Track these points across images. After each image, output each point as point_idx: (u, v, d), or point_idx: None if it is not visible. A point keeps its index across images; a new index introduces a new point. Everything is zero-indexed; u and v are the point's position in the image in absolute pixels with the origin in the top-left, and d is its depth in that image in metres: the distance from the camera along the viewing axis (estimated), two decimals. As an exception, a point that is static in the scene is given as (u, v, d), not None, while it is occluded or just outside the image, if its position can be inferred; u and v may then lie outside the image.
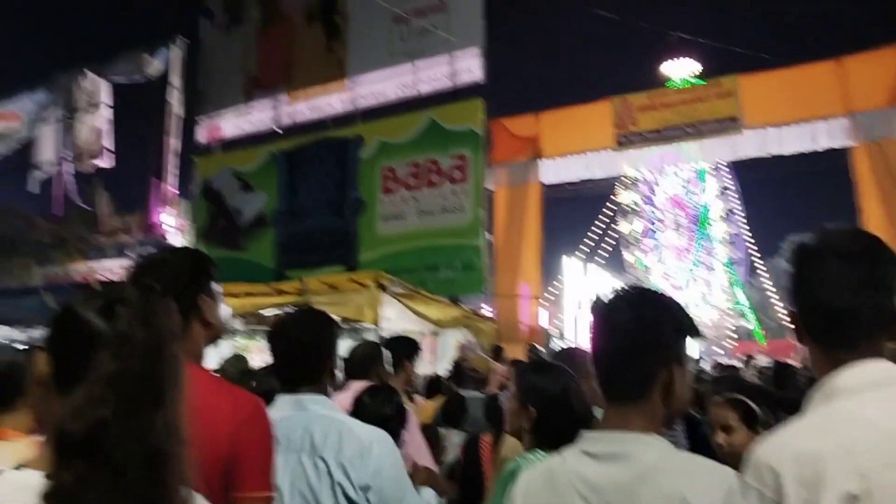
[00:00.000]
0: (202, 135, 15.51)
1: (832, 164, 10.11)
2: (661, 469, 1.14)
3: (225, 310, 1.66)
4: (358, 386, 2.86)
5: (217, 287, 1.61)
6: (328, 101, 13.64)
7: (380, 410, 2.38)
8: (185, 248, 1.86)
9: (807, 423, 1.06)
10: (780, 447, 1.03)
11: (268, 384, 3.08)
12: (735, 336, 33.94)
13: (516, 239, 11.57)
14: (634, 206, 38.25)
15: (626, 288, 1.35)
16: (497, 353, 8.83)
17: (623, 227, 37.47)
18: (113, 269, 16.25)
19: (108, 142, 17.00)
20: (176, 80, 16.99)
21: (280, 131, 14.33)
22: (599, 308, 1.33)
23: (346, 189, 12.88)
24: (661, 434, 1.22)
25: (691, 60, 34.38)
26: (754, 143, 9.72)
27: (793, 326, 1.17)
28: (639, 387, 1.23)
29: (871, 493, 0.92)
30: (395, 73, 12.74)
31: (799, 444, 1.01)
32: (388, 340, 4.10)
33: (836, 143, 9.22)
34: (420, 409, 4.32)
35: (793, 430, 1.05)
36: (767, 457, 1.02)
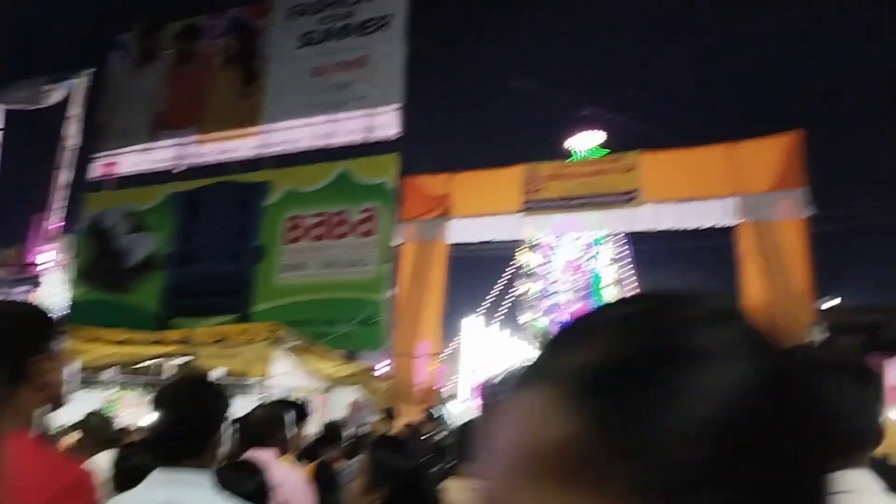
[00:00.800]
0: (97, 170, 14.61)
1: (719, 241, 10.68)
2: None
3: (71, 370, 1.52)
4: (256, 454, 2.62)
5: (59, 345, 1.47)
6: (238, 145, 13.23)
7: (238, 489, 2.09)
8: (20, 304, 1.67)
9: None
10: None
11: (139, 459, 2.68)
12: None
13: (419, 296, 11.44)
14: (533, 269, 39.33)
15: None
16: (390, 414, 8.52)
17: (521, 288, 38.27)
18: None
19: (-10, 170, 15.76)
20: (76, 111, 16.08)
21: (182, 172, 13.71)
22: None
23: (247, 235, 12.38)
24: None
25: (598, 132, 36.49)
26: (651, 217, 10.16)
27: None
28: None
29: None
30: (311, 122, 12.58)
31: None
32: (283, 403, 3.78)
33: (724, 222, 9.76)
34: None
35: None
36: None
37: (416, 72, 12.49)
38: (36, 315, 1.49)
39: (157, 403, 1.81)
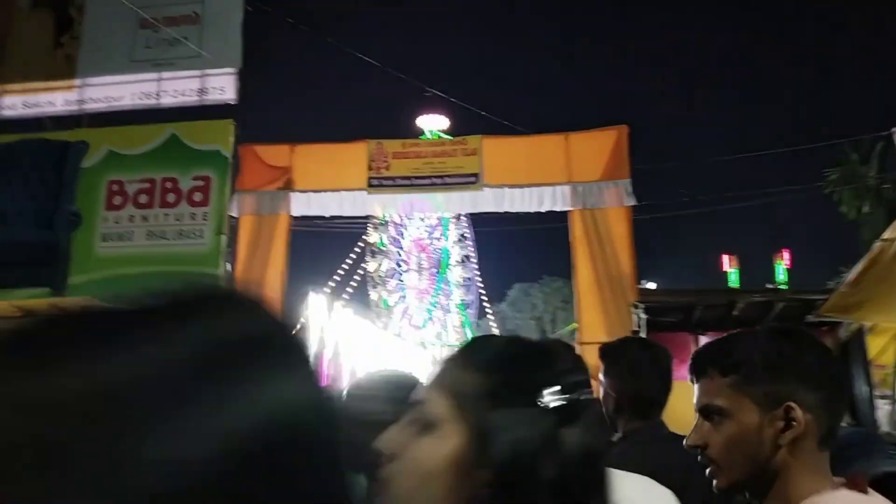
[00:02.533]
0: None
1: (556, 225, 11.32)
2: None
3: None
4: None
5: None
6: (49, 99, 11.82)
7: None
8: None
9: None
10: None
11: None
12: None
13: (259, 271, 10.99)
14: (382, 247, 39.51)
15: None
16: None
17: (371, 266, 38.35)
18: None
19: None
20: None
21: (-22, 123, 12.01)
22: None
23: (61, 199, 11.13)
24: None
25: (442, 117, 37.21)
26: (492, 200, 10.51)
27: None
28: None
29: None
30: (137, 79, 11.53)
31: None
32: None
33: (558, 207, 10.36)
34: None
35: None
36: None
37: (257, 36, 11.91)
38: None
39: None
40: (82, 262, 10.76)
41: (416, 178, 10.59)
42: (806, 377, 1.11)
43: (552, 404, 0.62)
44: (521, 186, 10.38)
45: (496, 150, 10.59)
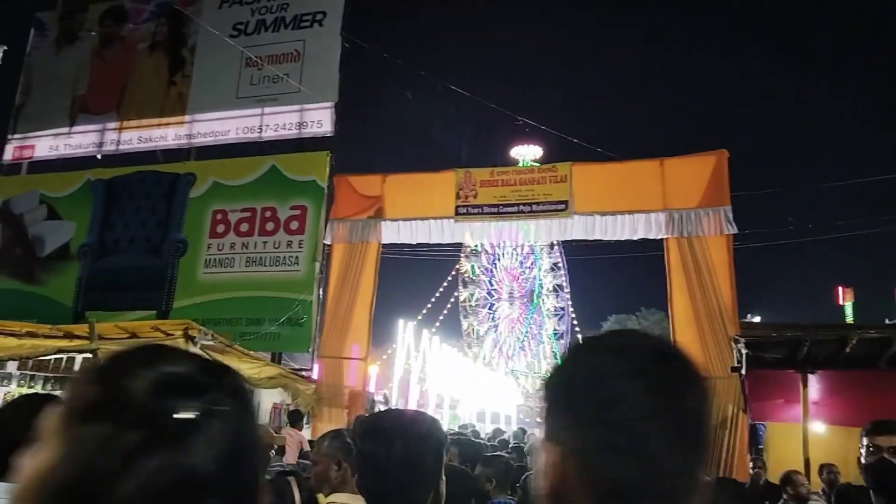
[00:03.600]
0: (10, 153, 13.75)
1: (655, 253, 10.89)
2: None
3: None
4: None
5: None
6: (161, 134, 12.71)
7: None
8: None
9: None
10: None
11: None
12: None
13: (350, 297, 11.18)
14: (474, 276, 39.50)
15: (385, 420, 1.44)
16: (294, 418, 8.25)
17: (462, 295, 38.38)
18: None
19: None
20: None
21: (102, 159, 13.05)
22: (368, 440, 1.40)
23: (170, 227, 11.87)
24: None
25: (536, 147, 37.12)
26: (582, 227, 10.24)
27: None
28: None
29: None
30: (241, 114, 12.21)
31: None
32: None
33: (653, 235, 9.94)
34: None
35: None
36: None
37: (352, 70, 12.32)
38: None
39: None
40: (186, 286, 11.36)
41: (504, 205, 10.49)
42: None
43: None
44: (612, 214, 10.05)
45: (587, 177, 10.34)
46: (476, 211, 10.56)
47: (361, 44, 12.75)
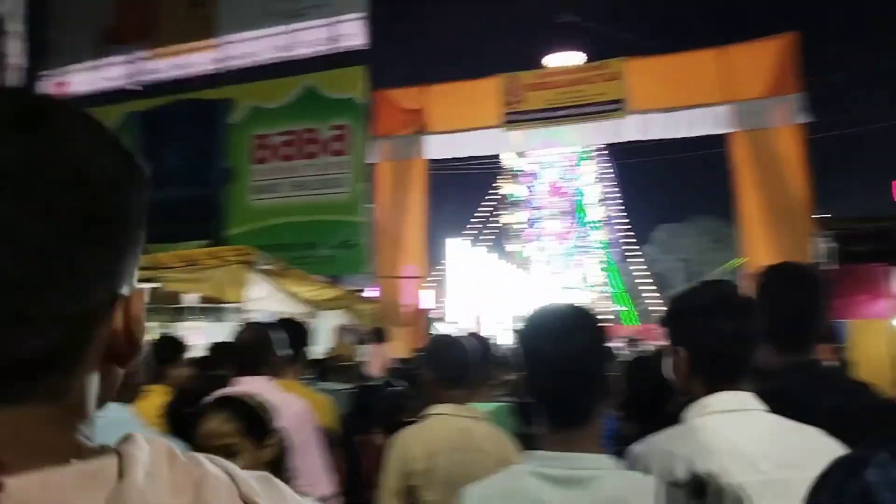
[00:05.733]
0: (47, 90, 13.63)
1: (707, 152, 10.31)
2: (622, 496, 1.21)
3: None
4: (248, 383, 2.38)
5: None
6: (194, 60, 12.35)
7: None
8: None
9: (675, 431, 1.40)
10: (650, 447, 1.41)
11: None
12: (608, 319, 35.35)
13: (399, 217, 11.01)
14: (517, 198, 38.85)
15: (556, 312, 1.36)
16: (378, 335, 8.27)
17: (506, 218, 37.92)
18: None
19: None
20: (17, 27, 14.90)
21: (137, 89, 12.84)
22: (535, 334, 1.35)
23: (213, 156, 11.72)
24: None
25: (576, 53, 35.23)
26: (638, 127, 9.70)
27: (679, 358, 1.46)
28: (585, 412, 1.30)
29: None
30: (271, 32, 11.73)
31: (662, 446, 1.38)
32: (277, 323, 3.43)
33: (716, 131, 9.37)
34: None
35: (663, 436, 1.41)
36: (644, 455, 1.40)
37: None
38: None
39: None
40: (236, 214, 11.32)
41: (554, 109, 9.97)
42: None
43: None
44: (671, 110, 9.47)
45: (642, 73, 9.70)
46: (525, 117, 10.09)
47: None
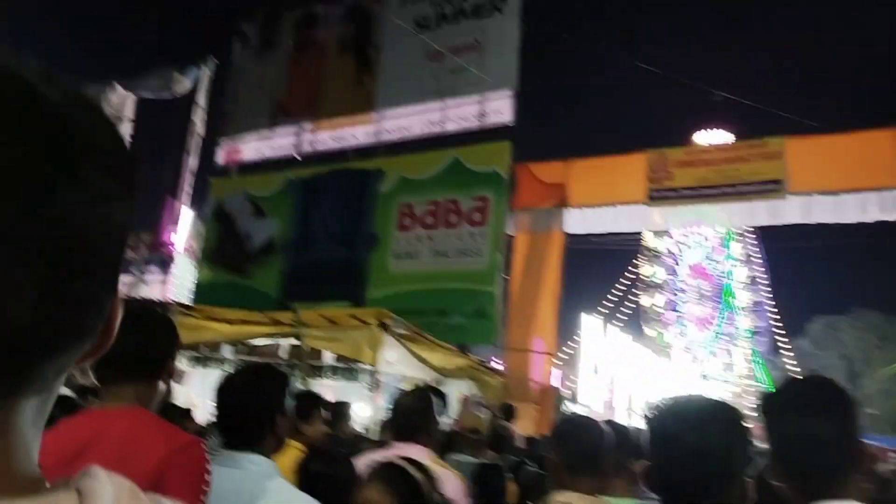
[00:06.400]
0: (221, 156, 15.19)
1: (875, 241, 9.37)
2: None
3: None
4: (406, 450, 2.29)
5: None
6: (352, 133, 13.31)
7: (325, 471, 2.09)
8: (162, 315, 1.82)
9: None
10: None
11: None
12: (755, 416, 32.26)
13: (533, 289, 10.90)
14: (657, 280, 37.20)
15: (698, 402, 1.28)
16: (508, 412, 8.09)
17: (644, 300, 36.36)
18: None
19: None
20: (202, 99, 16.89)
21: (300, 158, 13.97)
22: (672, 424, 1.24)
23: (361, 222, 12.38)
24: None
25: (724, 132, 33.81)
26: (798, 209, 9.04)
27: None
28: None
29: None
30: (424, 109, 12.41)
31: None
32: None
33: (888, 216, 8.52)
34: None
35: None
36: None
37: (530, 56, 11.99)
38: (172, 322, 1.74)
39: (219, 392, 1.81)
40: (378, 278, 11.76)
41: (704, 188, 9.58)
42: None
43: None
44: (836, 193, 8.76)
45: (803, 152, 9.12)
46: (672, 194, 9.76)
47: (540, 28, 12.38)
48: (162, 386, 1.65)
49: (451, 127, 12.08)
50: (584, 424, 2.27)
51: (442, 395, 3.18)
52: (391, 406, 2.76)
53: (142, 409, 1.56)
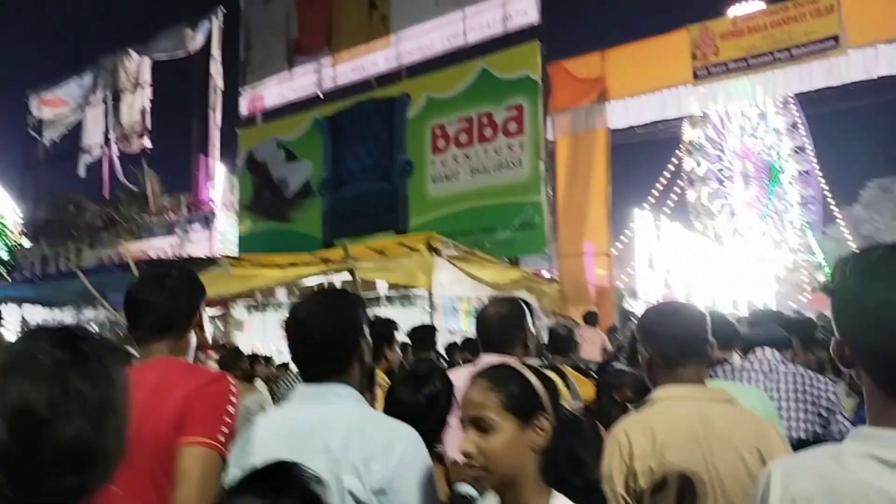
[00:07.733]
0: (244, 106, 14.92)
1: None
2: None
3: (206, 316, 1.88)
4: (490, 361, 2.11)
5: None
6: (372, 60, 12.82)
7: (409, 399, 1.92)
8: (180, 273, 1.84)
9: None
10: None
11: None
12: (809, 288, 31.44)
13: (581, 193, 10.50)
14: (698, 174, 35.54)
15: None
16: (591, 318, 8.00)
17: (687, 164, 34.36)
18: (163, 247, 16.01)
19: (149, 121, 16.76)
20: (217, 52, 16.51)
21: (323, 96, 13.59)
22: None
23: (394, 151, 12.06)
24: None
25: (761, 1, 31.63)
26: (861, 64, 8.30)
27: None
28: None
29: None
30: (442, 23, 11.81)
31: None
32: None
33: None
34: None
35: None
36: None
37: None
38: (192, 277, 1.85)
39: (291, 323, 1.65)
40: (419, 205, 11.53)
41: (755, 56, 8.87)
42: None
43: None
44: (898, 41, 7.99)
45: (859, 3, 8.31)
46: (719, 70, 9.09)
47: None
48: (193, 337, 1.77)
49: (474, 37, 11.47)
50: (674, 310, 1.98)
51: (528, 305, 2.89)
52: (476, 317, 2.48)
53: (173, 358, 1.71)
